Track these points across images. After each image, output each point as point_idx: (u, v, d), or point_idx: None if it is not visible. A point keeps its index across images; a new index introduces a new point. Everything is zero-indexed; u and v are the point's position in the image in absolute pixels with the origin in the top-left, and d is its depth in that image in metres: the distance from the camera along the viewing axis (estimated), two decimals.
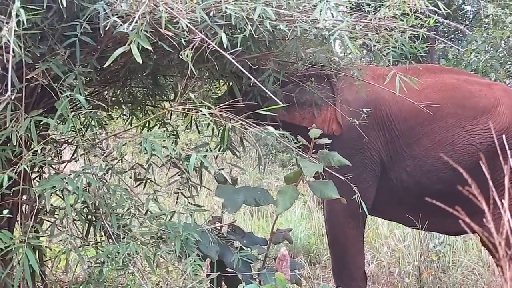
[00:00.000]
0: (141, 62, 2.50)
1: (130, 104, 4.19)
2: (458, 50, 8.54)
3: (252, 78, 2.70)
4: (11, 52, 2.34)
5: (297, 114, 4.06)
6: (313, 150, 3.53)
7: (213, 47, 2.66)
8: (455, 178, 3.61)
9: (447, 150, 4.02)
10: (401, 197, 4.22)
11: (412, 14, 3.34)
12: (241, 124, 3.00)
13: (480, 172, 2.41)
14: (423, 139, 4.11)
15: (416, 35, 3.45)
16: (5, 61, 2.44)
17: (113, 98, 4.13)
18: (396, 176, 4.17)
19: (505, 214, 2.23)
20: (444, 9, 3.31)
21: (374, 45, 3.46)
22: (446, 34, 9.70)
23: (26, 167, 2.78)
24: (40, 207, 3.18)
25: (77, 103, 3.01)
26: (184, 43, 2.66)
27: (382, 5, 3.44)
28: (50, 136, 3.07)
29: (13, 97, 2.63)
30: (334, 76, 4.06)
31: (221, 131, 3.00)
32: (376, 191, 4.21)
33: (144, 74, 3.58)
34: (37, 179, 3.45)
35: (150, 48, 2.51)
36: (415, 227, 4.33)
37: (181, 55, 2.66)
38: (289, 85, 3.96)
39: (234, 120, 2.99)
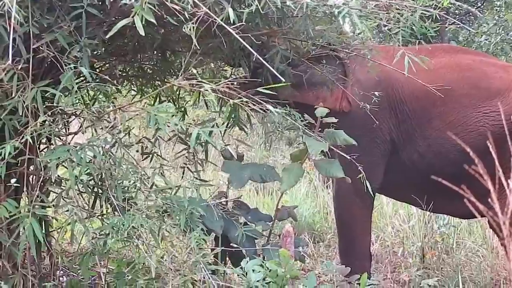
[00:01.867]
0: (143, 34, 2.49)
1: (139, 79, 4.20)
2: (469, 32, 8.50)
3: (255, 54, 2.69)
4: (12, 19, 2.35)
5: (310, 94, 4.04)
6: (321, 129, 3.53)
7: (219, 22, 2.65)
8: (465, 160, 3.60)
9: (459, 131, 3.98)
10: (412, 178, 4.19)
11: None
12: (245, 101, 2.99)
13: (491, 154, 2.41)
14: (435, 120, 4.08)
15: (427, 15, 3.42)
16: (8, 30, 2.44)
17: (122, 73, 4.15)
18: (407, 156, 4.15)
19: (511, 194, 2.23)
20: None
21: (385, 25, 3.44)
22: (457, 16, 9.64)
23: (29, 138, 2.80)
24: (47, 177, 3.21)
25: (84, 76, 3.02)
26: (189, 17, 2.65)
27: None
28: (58, 108, 3.07)
29: (19, 67, 2.63)
30: (345, 56, 4.03)
31: (226, 107, 3.00)
32: (387, 170, 4.20)
33: (152, 48, 3.57)
34: (45, 150, 3.48)
35: (153, 20, 2.50)
36: (424, 209, 4.32)
37: (184, 29, 2.65)
38: (301, 66, 3.94)
39: (238, 97, 2.98)
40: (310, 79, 4.00)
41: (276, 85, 2.94)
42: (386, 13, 3.41)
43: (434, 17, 3.42)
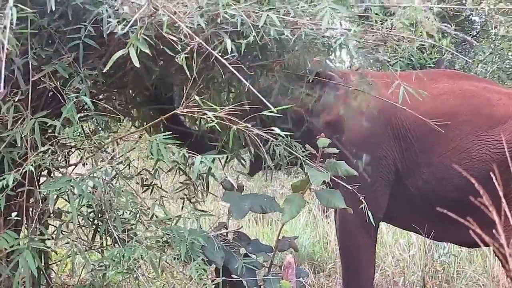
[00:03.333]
0: (138, 66, 2.49)
1: (139, 111, 4.21)
2: (466, 61, 8.54)
3: (248, 85, 2.69)
4: (5, 49, 2.36)
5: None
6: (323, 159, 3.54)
7: (214, 53, 2.66)
8: (469, 187, 3.59)
9: (461, 158, 3.98)
10: (418, 205, 4.18)
11: (420, 25, 3.33)
12: (247, 127, 2.99)
13: (494, 183, 2.40)
14: (438, 147, 4.06)
15: (424, 46, 3.44)
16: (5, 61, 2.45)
17: (122, 104, 4.15)
18: (412, 183, 4.13)
19: None
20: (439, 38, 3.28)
21: (382, 56, 3.46)
22: (453, 45, 9.69)
23: (32, 169, 2.80)
24: (46, 209, 3.20)
25: (86, 107, 3.03)
26: (184, 48, 2.66)
27: (391, 15, 3.44)
28: (57, 139, 3.08)
29: (16, 99, 2.64)
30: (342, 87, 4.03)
31: (226, 135, 3.00)
32: (392, 198, 4.19)
33: (150, 80, 3.59)
34: (45, 182, 3.48)
35: (148, 52, 2.52)
36: (427, 237, 4.30)
37: (176, 59, 2.66)
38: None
39: (240, 123, 2.98)
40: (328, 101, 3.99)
41: (281, 107, 2.93)
42: (384, 44, 3.43)
43: (432, 46, 3.44)
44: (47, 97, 3.21)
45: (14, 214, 3.12)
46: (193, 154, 2.98)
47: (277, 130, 3.05)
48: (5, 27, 2.34)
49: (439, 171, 4.06)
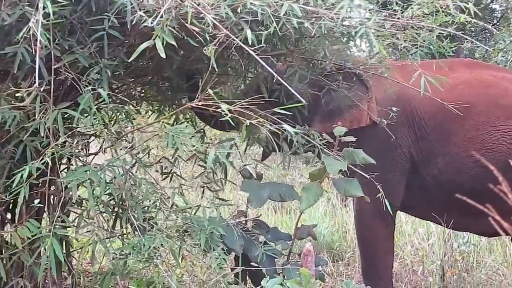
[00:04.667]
0: (164, 56, 2.51)
1: (157, 99, 4.23)
2: (486, 49, 8.48)
3: (276, 76, 2.70)
4: (38, 43, 2.38)
5: (344, 120, 3.96)
6: (340, 148, 3.54)
7: (238, 43, 2.67)
8: (485, 176, 3.56)
9: (478, 148, 3.96)
10: (434, 195, 4.17)
11: (442, 12, 3.31)
12: (262, 121, 3.00)
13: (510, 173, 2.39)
14: (454, 136, 4.05)
15: (444, 35, 3.43)
16: (33, 53, 2.48)
17: (141, 94, 4.18)
18: (428, 173, 4.13)
19: None
20: (473, 9, 3.25)
21: (401, 44, 3.45)
22: (473, 33, 9.63)
23: (49, 159, 2.83)
24: (68, 198, 3.24)
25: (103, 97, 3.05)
26: (209, 38, 2.67)
27: (411, 3, 3.42)
28: (78, 129, 3.11)
29: (41, 89, 2.67)
30: (363, 73, 4.03)
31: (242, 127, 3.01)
32: (408, 188, 4.19)
33: (171, 69, 3.61)
34: (66, 171, 3.51)
35: (174, 43, 2.53)
36: (445, 226, 4.30)
37: (204, 50, 2.67)
38: (324, 92, 3.95)
39: (255, 117, 2.99)
40: (337, 105, 4.01)
41: (295, 105, 2.95)
42: (403, 33, 3.42)
43: (451, 35, 3.42)
44: (67, 87, 3.23)
45: (36, 201, 3.16)
46: (211, 143, 2.99)
47: (287, 127, 3.04)
48: (37, 21, 2.37)
49: (455, 160, 4.05)
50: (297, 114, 3.81)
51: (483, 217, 2.34)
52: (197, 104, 2.95)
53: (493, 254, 5.71)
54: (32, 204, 3.17)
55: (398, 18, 3.35)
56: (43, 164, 2.85)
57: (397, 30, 3.39)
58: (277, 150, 3.72)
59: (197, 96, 2.94)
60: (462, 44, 7.52)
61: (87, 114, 3.05)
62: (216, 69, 2.78)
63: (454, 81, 3.91)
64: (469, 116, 3.97)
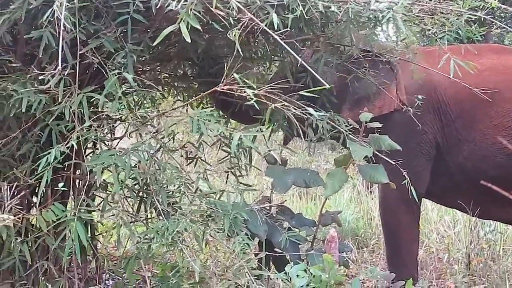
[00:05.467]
0: (189, 41, 2.50)
1: (183, 84, 4.23)
2: None
3: (300, 60, 2.68)
4: (61, 26, 2.38)
5: (373, 107, 3.96)
6: (365, 134, 3.51)
7: (263, 27, 2.65)
8: (511, 164, 3.52)
9: (504, 136, 3.92)
10: (458, 182, 4.15)
11: None
12: (285, 105, 2.99)
13: None
14: (480, 123, 4.02)
15: (473, 19, 3.38)
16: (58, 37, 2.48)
17: (167, 79, 4.18)
18: (452, 160, 4.10)
19: None
20: None
21: (429, 29, 3.41)
22: (503, 19, 9.50)
23: (75, 143, 2.84)
24: (93, 182, 3.25)
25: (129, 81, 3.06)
26: (233, 23, 2.66)
27: None
28: (103, 113, 3.11)
29: (65, 73, 2.67)
30: (390, 60, 3.99)
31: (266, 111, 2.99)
32: (433, 175, 4.16)
33: (196, 54, 3.60)
34: (91, 155, 3.53)
35: (199, 27, 2.51)
36: (471, 214, 4.26)
37: (228, 34, 2.66)
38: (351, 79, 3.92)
39: (279, 101, 2.97)
40: (365, 92, 3.98)
41: (319, 87, 2.92)
42: (431, 17, 3.37)
43: (480, 20, 3.37)
44: (92, 71, 3.24)
45: (60, 185, 3.18)
46: (239, 129, 2.98)
47: (311, 111, 3.03)
48: (61, 4, 2.36)
49: (480, 148, 4.02)
50: (325, 101, 3.79)
51: (509, 205, 2.32)
52: (222, 89, 2.94)
53: None
54: (57, 188, 3.19)
55: (426, 2, 3.31)
56: (68, 148, 2.87)
57: (425, 14, 3.35)
58: (301, 135, 3.70)
59: (222, 80, 2.93)
60: (491, 29, 7.43)
61: (112, 98, 3.06)
62: (242, 54, 2.76)
63: (480, 67, 3.86)
64: (495, 102, 3.93)
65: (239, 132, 2.89)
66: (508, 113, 3.97)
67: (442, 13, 3.34)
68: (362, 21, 3.43)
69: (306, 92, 2.93)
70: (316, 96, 3.02)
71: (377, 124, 3.49)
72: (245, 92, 2.80)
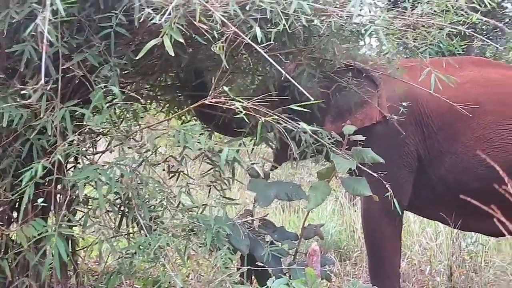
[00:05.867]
0: (173, 54, 2.50)
1: (166, 98, 4.22)
2: (497, 48, 8.44)
3: (284, 73, 2.68)
4: (44, 41, 2.36)
5: (355, 119, 3.97)
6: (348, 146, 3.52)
7: (247, 41, 2.65)
8: (492, 176, 3.52)
9: (485, 148, 3.94)
10: (440, 194, 4.17)
11: (453, 11, 3.29)
12: (274, 119, 2.99)
13: None
14: (461, 135, 4.04)
15: (454, 33, 3.40)
16: (40, 51, 2.46)
17: (150, 92, 4.17)
18: (434, 172, 4.12)
19: None
20: (490, 4, 3.20)
21: (411, 43, 3.43)
22: (484, 32, 9.58)
23: (61, 157, 2.81)
24: (74, 197, 3.22)
25: (113, 95, 3.04)
26: (217, 36, 2.65)
27: (420, 1, 3.40)
28: (86, 127, 3.09)
29: (48, 87, 2.65)
30: (372, 73, 4.01)
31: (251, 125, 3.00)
32: (415, 187, 4.17)
33: (180, 67, 3.59)
34: (72, 169, 3.50)
35: (182, 40, 2.51)
36: (452, 226, 4.27)
37: (213, 48, 2.65)
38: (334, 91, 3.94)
39: (269, 114, 2.98)
40: (347, 104, 3.99)
41: (307, 102, 2.92)
42: (413, 31, 3.39)
43: (461, 34, 3.40)
44: (74, 84, 3.22)
45: (40, 200, 3.15)
46: (222, 142, 2.98)
47: (303, 125, 3.04)
48: (44, 18, 2.35)
49: (462, 160, 4.04)
50: (308, 114, 3.80)
51: (490, 217, 2.33)
52: (210, 101, 2.93)
53: (501, 254, 5.69)
54: (37, 204, 3.16)
55: (408, 16, 3.33)
56: (50, 163, 2.84)
57: (407, 28, 3.37)
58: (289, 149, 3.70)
59: (210, 93, 2.93)
60: (473, 42, 7.49)
61: (94, 112, 3.04)
62: (227, 67, 2.76)
63: (461, 80, 3.88)
64: (476, 115, 3.95)
65: (225, 145, 2.88)
66: (489, 125, 4.00)
67: (424, 26, 3.36)
68: (344, 35, 3.45)
69: (296, 106, 2.93)
70: (299, 109, 3.02)
71: (360, 137, 3.49)
72: (233, 105, 2.79)
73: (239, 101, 2.81)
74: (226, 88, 2.80)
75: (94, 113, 3.04)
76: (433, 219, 4.84)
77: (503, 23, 9.45)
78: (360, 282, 3.83)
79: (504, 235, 4.04)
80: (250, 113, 2.85)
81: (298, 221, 6.59)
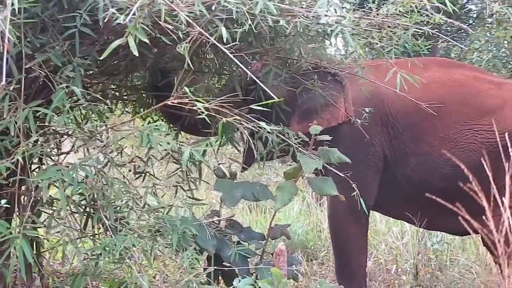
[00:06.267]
0: (137, 54, 2.48)
1: (131, 98, 4.19)
2: (461, 49, 8.54)
3: (250, 74, 2.68)
4: (6, 40, 2.33)
5: (322, 119, 3.95)
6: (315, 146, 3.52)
7: (212, 41, 2.64)
8: (457, 176, 3.56)
9: (450, 148, 3.96)
10: (406, 194, 4.19)
11: (417, 12, 3.31)
12: (238, 119, 2.99)
13: (483, 172, 2.40)
14: (426, 135, 4.07)
15: (419, 33, 3.43)
16: (1, 50, 2.43)
17: (115, 92, 4.14)
18: (400, 172, 4.14)
19: (505, 212, 2.23)
20: (451, 7, 3.24)
21: (377, 43, 3.45)
22: (449, 33, 9.69)
23: (20, 158, 2.78)
24: (38, 198, 3.19)
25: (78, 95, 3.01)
26: (182, 36, 2.64)
27: (386, 2, 3.42)
28: (50, 128, 3.06)
29: (11, 88, 2.62)
30: (338, 72, 4.03)
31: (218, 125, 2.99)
32: (381, 187, 4.19)
33: (145, 67, 3.57)
34: (37, 170, 3.46)
35: (147, 40, 2.50)
36: (418, 225, 4.30)
37: (178, 48, 2.64)
38: (300, 92, 3.94)
39: (230, 115, 2.97)
40: (314, 104, 3.99)
41: (269, 101, 2.92)
42: (379, 31, 3.41)
43: (426, 34, 3.42)
44: (38, 85, 3.18)
45: (3, 201, 3.10)
46: (185, 143, 2.96)
47: (263, 125, 3.04)
48: (5, 18, 2.31)
49: (427, 160, 4.07)
50: (274, 114, 3.80)
51: (455, 216, 2.35)
52: (173, 102, 2.91)
53: (466, 252, 5.75)
54: (0, 205, 3.11)
55: (374, 17, 3.35)
56: (13, 163, 2.80)
57: (373, 28, 3.39)
58: (253, 149, 3.70)
59: (172, 94, 2.91)
60: (437, 43, 7.57)
61: (59, 113, 3.01)
62: (192, 67, 2.75)
63: (427, 80, 3.91)
64: (441, 115, 3.98)
65: (189, 146, 2.87)
66: (454, 125, 4.03)
67: (389, 27, 3.38)
68: (311, 35, 3.46)
69: (257, 106, 2.93)
70: (265, 109, 3.02)
71: (326, 137, 3.50)
72: (195, 106, 2.78)
73: (201, 102, 2.80)
74: (187, 89, 2.79)
75: (58, 114, 3.00)
76: (399, 218, 4.87)
77: (467, 24, 9.58)
78: (327, 282, 3.85)
79: (469, 234, 4.08)
80: (211, 114, 2.83)
81: (265, 221, 6.58)
